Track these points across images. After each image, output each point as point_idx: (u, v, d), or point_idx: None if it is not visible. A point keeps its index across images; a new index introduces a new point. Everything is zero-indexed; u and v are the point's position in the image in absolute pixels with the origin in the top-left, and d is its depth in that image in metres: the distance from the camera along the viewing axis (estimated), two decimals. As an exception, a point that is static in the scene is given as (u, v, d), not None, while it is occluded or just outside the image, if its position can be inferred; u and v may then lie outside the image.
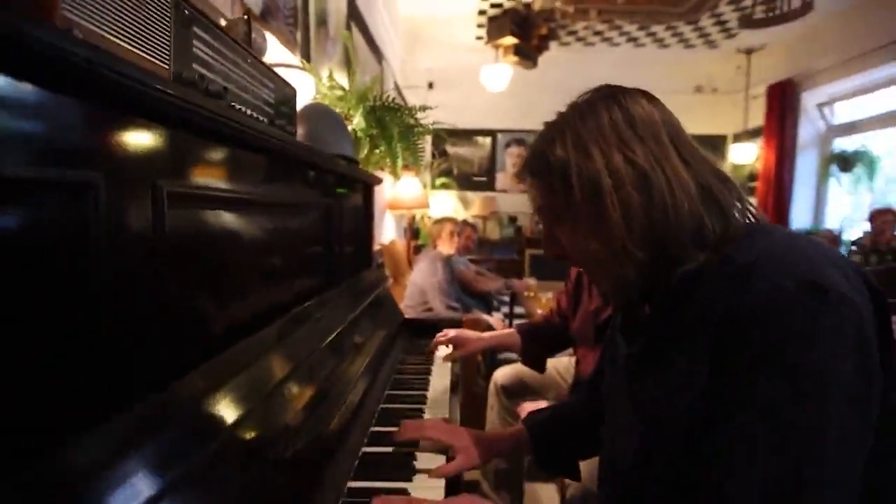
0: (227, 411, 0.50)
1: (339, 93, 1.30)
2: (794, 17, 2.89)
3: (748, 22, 3.14)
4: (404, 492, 0.65)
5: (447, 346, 1.22)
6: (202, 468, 0.43)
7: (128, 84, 0.37)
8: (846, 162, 4.28)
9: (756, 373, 0.41)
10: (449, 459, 0.73)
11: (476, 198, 5.93)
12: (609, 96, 0.54)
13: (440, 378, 1.10)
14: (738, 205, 0.52)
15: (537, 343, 1.30)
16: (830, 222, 4.61)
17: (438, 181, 5.42)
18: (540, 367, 1.31)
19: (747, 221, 0.52)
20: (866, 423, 0.41)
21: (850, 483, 0.41)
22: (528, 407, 1.23)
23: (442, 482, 0.69)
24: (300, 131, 1.03)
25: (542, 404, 1.23)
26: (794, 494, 0.39)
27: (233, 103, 0.69)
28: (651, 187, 0.48)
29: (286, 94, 0.92)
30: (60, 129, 0.35)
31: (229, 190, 0.60)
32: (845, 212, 4.56)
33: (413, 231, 3.82)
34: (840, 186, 4.57)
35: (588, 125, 0.52)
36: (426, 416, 0.90)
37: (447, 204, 5.44)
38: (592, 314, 1.14)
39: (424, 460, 0.74)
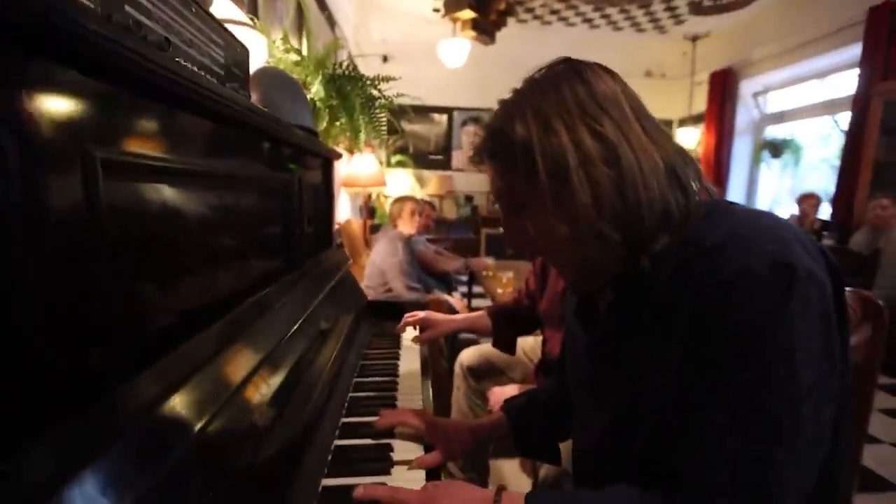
0: (185, 418, 0.43)
1: (296, 58, 1.18)
2: (740, 5, 3.02)
3: (697, 8, 3.24)
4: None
5: (414, 328, 1.19)
6: (159, 486, 0.37)
7: (51, 22, 0.29)
8: (776, 149, 4.61)
9: (730, 356, 0.42)
10: (427, 450, 0.70)
11: (432, 176, 5.85)
12: (570, 70, 0.51)
13: (408, 362, 1.07)
14: (697, 183, 0.51)
15: (508, 325, 1.29)
16: (761, 203, 5.00)
17: (394, 159, 5.28)
18: (510, 349, 1.31)
19: (706, 199, 0.51)
20: (830, 399, 0.42)
21: (816, 460, 0.43)
22: (496, 390, 1.22)
23: (422, 474, 0.66)
24: (253, 97, 0.92)
25: (511, 386, 1.23)
26: (765, 471, 0.40)
27: (177, 59, 0.60)
28: (620, 162, 0.46)
29: (238, 54, 0.81)
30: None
31: (177, 160, 0.51)
32: (773, 194, 4.95)
33: (369, 210, 3.70)
34: (770, 171, 4.93)
35: (550, 100, 0.48)
36: (398, 402, 0.87)
37: (403, 182, 5.33)
38: (560, 295, 1.13)
39: (401, 451, 0.71)
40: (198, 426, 0.44)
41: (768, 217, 0.46)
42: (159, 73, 0.42)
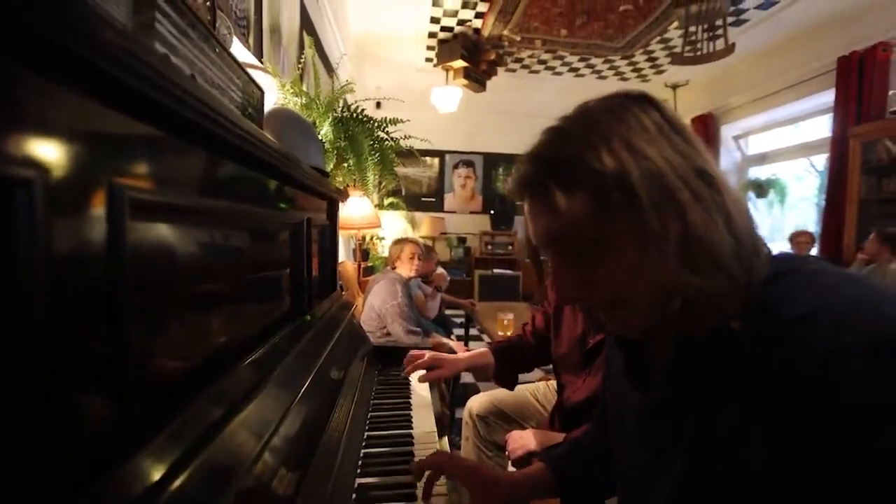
0: (207, 488, 0.37)
1: (304, 100, 1.19)
2: (720, 56, 3.18)
3: (679, 59, 3.41)
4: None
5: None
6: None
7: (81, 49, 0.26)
8: (761, 188, 4.75)
9: (833, 452, 0.35)
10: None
11: (425, 218, 5.88)
12: (639, 97, 0.47)
13: (421, 415, 1.00)
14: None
15: (510, 362, 1.26)
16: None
17: (387, 201, 5.31)
18: (511, 384, 1.27)
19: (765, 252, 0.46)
20: None
21: None
22: (515, 435, 1.15)
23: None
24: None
25: (530, 431, 1.16)
26: None
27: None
28: (712, 176, 0.42)
29: (254, 95, 0.80)
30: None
31: (201, 201, 0.48)
32: (763, 233, 5.05)
33: (363, 252, 3.66)
34: (756, 210, 5.07)
35: (630, 126, 0.44)
36: (416, 456, 0.80)
37: (396, 225, 5.33)
38: (578, 340, 1.09)
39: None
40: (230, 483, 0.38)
41: (856, 281, 0.41)
42: (195, 108, 0.40)
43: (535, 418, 1.37)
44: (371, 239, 4.42)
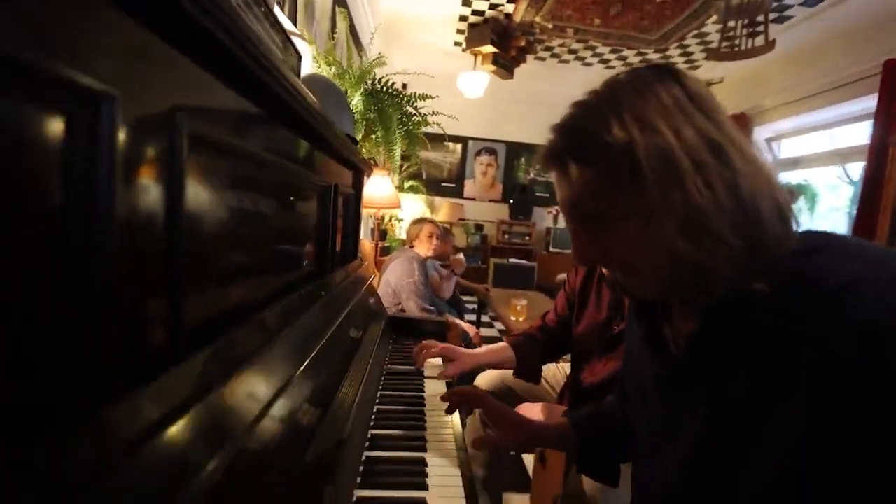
0: (226, 420, 0.41)
1: (337, 70, 1.21)
2: (759, 53, 3.09)
3: (716, 54, 3.32)
4: (422, 502, 0.58)
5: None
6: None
7: None
8: (791, 194, 4.60)
9: (885, 427, 0.35)
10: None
11: (444, 203, 5.89)
12: (664, 72, 0.48)
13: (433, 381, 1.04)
14: (788, 207, 0.46)
15: (532, 356, 1.24)
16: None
17: (407, 184, 5.33)
18: (535, 378, 1.27)
19: (802, 231, 0.46)
20: None
21: None
22: (525, 406, 1.17)
23: (452, 493, 0.62)
24: (302, 102, 0.94)
25: (538, 405, 1.18)
26: None
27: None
28: (732, 164, 0.43)
29: (292, 58, 0.83)
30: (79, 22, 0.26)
31: (248, 147, 0.51)
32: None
33: (381, 232, 3.71)
34: (782, 216, 4.94)
35: (647, 100, 0.45)
36: (427, 418, 0.83)
37: (415, 207, 5.36)
38: (600, 326, 1.10)
39: (436, 467, 0.67)
40: (244, 425, 0.41)
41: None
42: (256, 58, 0.43)
43: (543, 397, 1.40)
44: (390, 220, 4.46)
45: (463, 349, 1.16)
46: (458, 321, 2.42)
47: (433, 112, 1.39)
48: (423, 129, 1.59)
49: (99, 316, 0.29)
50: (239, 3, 0.59)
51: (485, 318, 4.22)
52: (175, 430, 0.31)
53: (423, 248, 2.47)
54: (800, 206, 4.70)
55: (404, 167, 5.31)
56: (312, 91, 0.97)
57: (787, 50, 4.05)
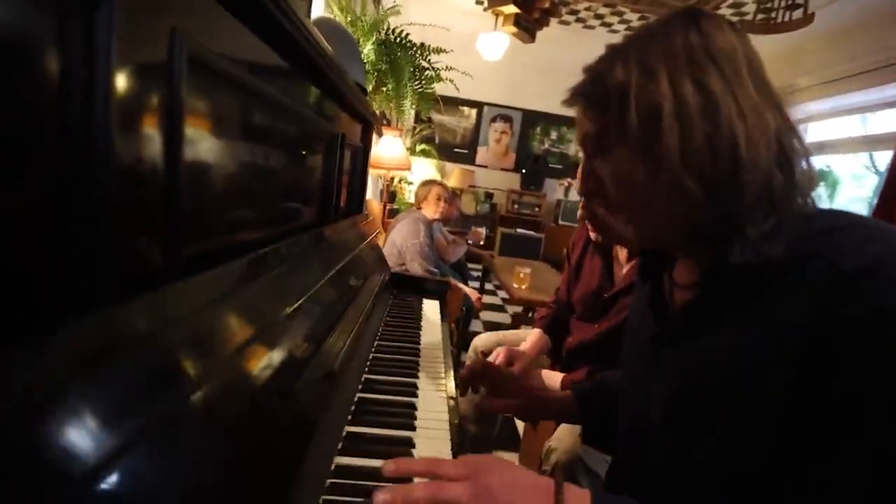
0: (210, 340, 0.42)
1: (349, 17, 1.18)
2: (796, 27, 2.94)
3: (749, 27, 3.16)
4: (409, 440, 0.61)
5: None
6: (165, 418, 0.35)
7: None
8: (811, 180, 4.50)
9: (870, 412, 0.35)
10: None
11: (455, 169, 5.83)
12: (689, 18, 0.46)
13: (429, 331, 1.06)
14: (808, 176, 0.45)
15: (562, 336, 1.30)
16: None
17: (419, 147, 5.27)
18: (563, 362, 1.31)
19: (822, 209, 0.45)
20: None
21: None
22: (547, 373, 1.21)
23: (439, 435, 0.64)
24: (311, 45, 0.91)
25: (557, 374, 1.21)
26: None
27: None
28: (719, 119, 0.42)
29: (300, 1, 0.81)
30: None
31: (250, 78, 0.50)
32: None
33: (390, 194, 3.70)
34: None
35: (658, 45, 0.45)
36: (420, 366, 0.85)
37: (426, 172, 5.32)
38: (593, 293, 1.15)
39: (424, 411, 0.69)
40: (227, 350, 0.43)
41: None
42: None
43: (537, 361, 1.43)
44: (399, 182, 4.43)
45: (517, 349, 1.17)
46: (460, 285, 2.44)
47: (447, 68, 1.34)
48: (438, 88, 1.55)
49: (97, 227, 0.30)
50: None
51: (489, 286, 4.25)
52: (162, 340, 0.32)
53: (431, 210, 2.46)
54: (819, 193, 4.58)
55: (417, 130, 5.23)
56: (323, 34, 0.94)
57: (829, 26, 3.84)
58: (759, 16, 3.21)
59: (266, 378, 0.45)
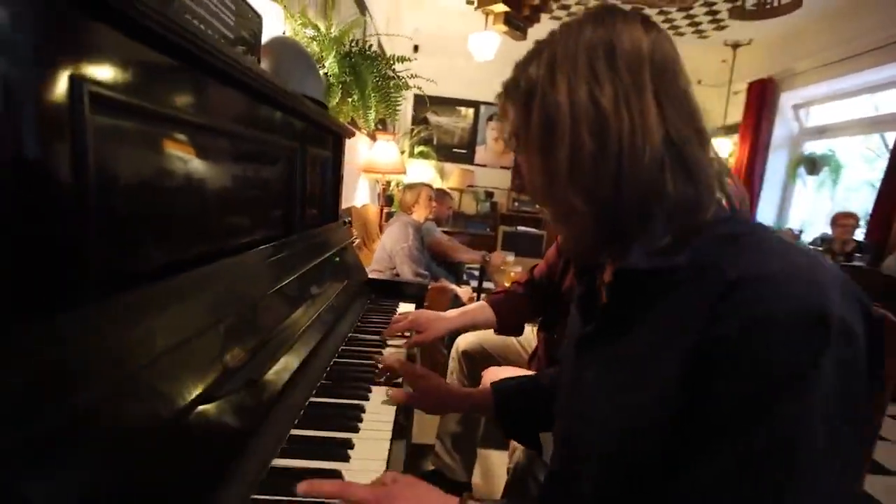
0: (144, 344, 0.45)
1: (312, 33, 1.21)
2: (785, 11, 2.90)
3: (740, 13, 3.13)
4: (348, 442, 0.63)
5: (402, 335, 1.08)
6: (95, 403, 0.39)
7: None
8: (814, 165, 4.42)
9: (738, 415, 0.36)
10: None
11: (455, 169, 5.85)
12: (602, 16, 0.47)
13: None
14: (716, 180, 0.45)
15: (513, 312, 1.24)
16: (793, 222, 4.80)
17: (417, 149, 5.30)
18: (518, 332, 1.29)
19: (725, 207, 0.46)
20: (849, 463, 0.37)
21: None
22: (492, 370, 1.22)
23: (384, 436, 0.67)
24: (264, 64, 0.95)
25: (507, 368, 1.23)
26: None
27: (185, 14, 0.62)
28: (607, 135, 0.43)
29: (250, 21, 0.84)
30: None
31: (168, 107, 0.54)
32: (806, 213, 4.74)
33: (387, 198, 3.74)
34: (804, 188, 4.74)
35: (567, 47, 0.46)
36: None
37: (425, 173, 5.35)
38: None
39: (372, 414, 0.72)
40: (154, 354, 0.46)
41: (803, 253, 0.41)
42: (149, 16, 0.45)
43: (515, 359, 1.45)
44: (397, 185, 4.47)
45: (432, 314, 1.13)
46: (451, 286, 2.47)
47: (412, 75, 1.38)
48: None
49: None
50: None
51: (489, 285, 4.27)
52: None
53: (423, 213, 2.50)
54: (822, 178, 4.50)
55: (414, 132, 5.26)
56: (275, 54, 0.98)
57: (823, 7, 3.77)
58: (752, 0, 3.17)
59: (190, 388, 0.48)
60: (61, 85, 0.38)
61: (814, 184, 4.57)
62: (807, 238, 4.25)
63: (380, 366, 0.83)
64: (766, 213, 5.01)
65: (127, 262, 0.49)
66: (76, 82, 0.39)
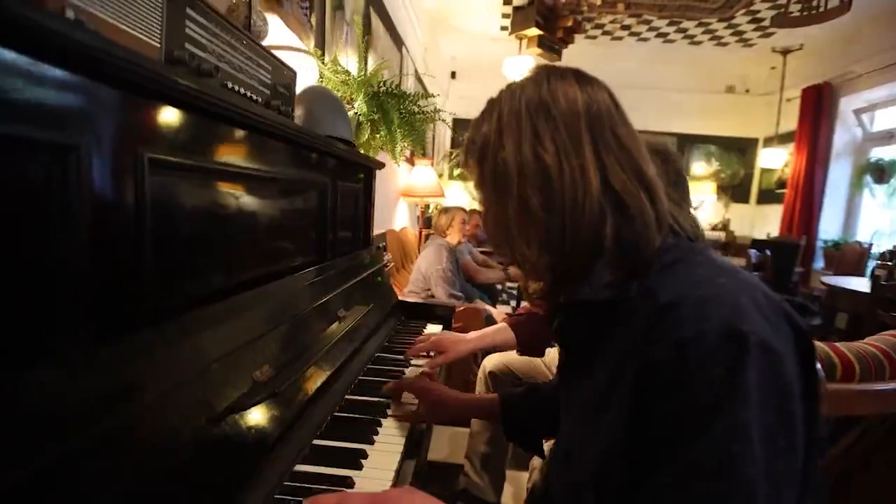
0: (194, 358, 0.55)
1: (343, 77, 1.35)
2: (831, 16, 2.78)
3: (783, 20, 3.03)
4: (363, 452, 0.70)
5: (428, 355, 1.13)
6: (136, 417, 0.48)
7: (108, 59, 0.42)
8: (882, 172, 4.10)
9: (678, 434, 0.38)
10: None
11: (494, 190, 5.90)
12: (542, 77, 0.51)
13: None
14: (658, 214, 0.48)
15: (534, 333, 1.24)
16: (862, 235, 4.43)
17: (456, 171, 5.43)
18: (540, 353, 1.31)
19: (674, 237, 0.50)
20: (791, 479, 0.38)
21: None
22: None
23: (396, 448, 0.73)
24: (298, 112, 1.07)
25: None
26: None
27: (226, 83, 0.74)
28: (551, 190, 0.47)
29: (284, 76, 0.96)
30: (51, 96, 0.40)
31: (211, 162, 0.65)
32: (878, 225, 4.36)
33: (426, 220, 3.86)
34: (873, 198, 4.38)
35: (511, 107, 0.50)
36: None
37: (461, 196, 5.46)
38: None
39: (388, 429, 0.78)
40: (203, 365, 0.55)
41: (730, 275, 0.43)
42: (197, 95, 0.55)
43: (542, 380, 1.46)
44: (435, 208, 4.59)
45: (455, 336, 1.18)
46: (485, 306, 2.51)
47: (436, 109, 1.48)
48: (433, 119, 1.64)
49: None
50: (220, 42, 0.72)
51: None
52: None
53: (457, 235, 2.58)
54: (894, 185, 4.14)
55: (453, 155, 5.40)
56: (309, 101, 1.10)
57: (878, 7, 3.56)
58: (796, 6, 3.06)
59: (219, 403, 0.57)
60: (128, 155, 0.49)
61: (883, 193, 4.22)
62: (877, 251, 3.90)
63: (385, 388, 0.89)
64: (829, 226, 4.66)
65: (174, 288, 0.59)
66: (139, 153, 0.50)
